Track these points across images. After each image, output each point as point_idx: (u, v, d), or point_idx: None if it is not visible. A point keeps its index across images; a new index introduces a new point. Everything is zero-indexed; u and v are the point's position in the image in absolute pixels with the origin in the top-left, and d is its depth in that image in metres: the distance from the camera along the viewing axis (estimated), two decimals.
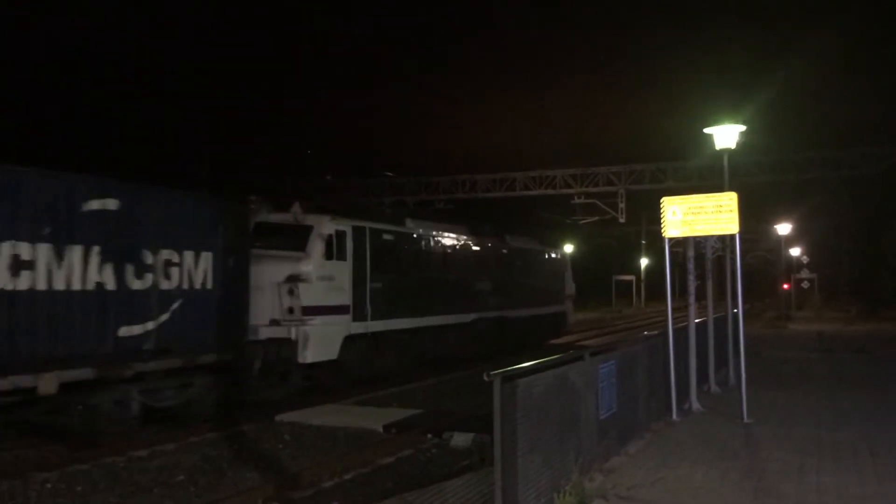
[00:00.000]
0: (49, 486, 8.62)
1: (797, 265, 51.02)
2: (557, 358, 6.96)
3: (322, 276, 14.56)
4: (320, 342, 14.26)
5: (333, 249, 14.87)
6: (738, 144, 12.66)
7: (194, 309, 12.08)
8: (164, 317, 11.55)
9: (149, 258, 11.35)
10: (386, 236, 16.74)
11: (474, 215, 28.80)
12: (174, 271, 11.77)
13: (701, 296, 13.02)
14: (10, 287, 9.47)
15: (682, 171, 32.16)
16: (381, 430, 11.45)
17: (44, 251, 9.83)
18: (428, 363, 18.02)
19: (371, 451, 10.19)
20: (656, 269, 58.27)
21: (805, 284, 49.53)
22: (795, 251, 52.03)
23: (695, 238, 11.10)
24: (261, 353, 13.75)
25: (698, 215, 10.40)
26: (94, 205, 10.57)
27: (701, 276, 12.42)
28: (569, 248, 28.91)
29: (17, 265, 9.55)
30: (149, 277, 11.35)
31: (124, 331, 10.93)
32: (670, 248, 10.88)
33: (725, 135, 12.42)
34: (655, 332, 10.91)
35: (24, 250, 9.63)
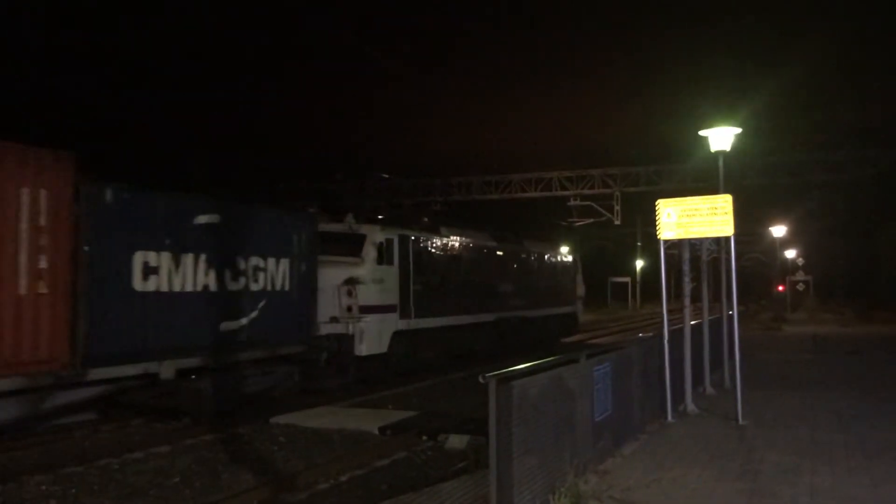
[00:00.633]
0: (44, 488, 8.59)
1: (792, 267, 51.20)
2: (553, 360, 6.98)
3: (375, 278, 16.46)
4: (374, 337, 16.12)
5: (383, 255, 16.80)
6: (733, 147, 12.71)
7: (275, 307, 13.81)
8: (254, 314, 13.35)
9: (242, 264, 13.14)
10: (424, 243, 18.70)
11: (469, 217, 28.86)
12: (261, 275, 13.58)
13: (696, 298, 13.06)
14: (141, 288, 11.25)
15: (677, 173, 32.25)
16: (376, 432, 11.45)
17: (166, 259, 11.62)
18: (458, 357, 19.56)
19: (366, 454, 10.19)
20: (652, 271, 58.37)
21: (800, 286, 49.72)
22: (790, 253, 52.20)
23: (690, 240, 11.12)
24: (326, 346, 15.45)
25: (693, 217, 10.41)
26: (202, 219, 12.37)
27: (696, 278, 12.45)
28: (564, 251, 29.60)
29: (147, 270, 11.34)
30: (242, 280, 13.15)
31: (224, 325, 12.71)
32: (666, 250, 10.90)
33: (720, 137, 12.46)
34: (651, 334, 10.93)
35: (152, 258, 11.43)
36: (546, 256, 27.13)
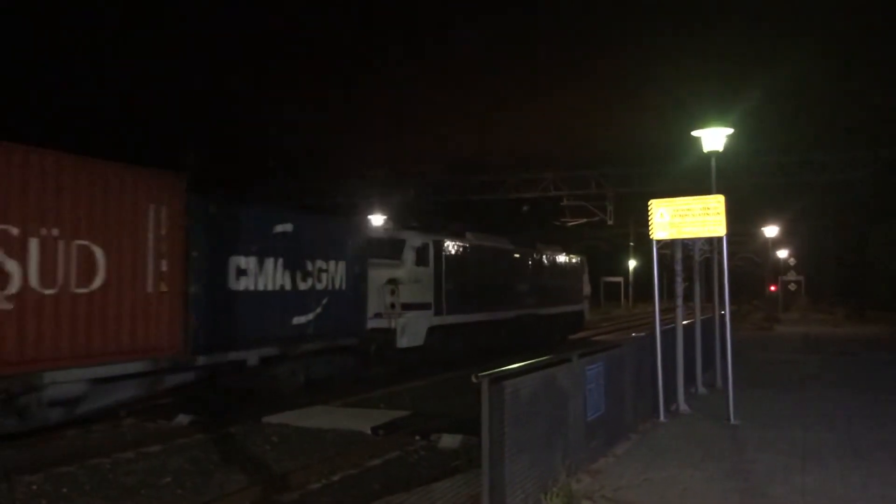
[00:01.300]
0: (35, 487, 8.57)
1: (784, 267, 51.36)
2: (545, 360, 6.99)
3: (414, 278, 18.45)
4: (413, 331, 18.13)
5: (420, 258, 18.81)
6: (725, 147, 12.72)
7: (335, 304, 15.53)
8: (318, 310, 15.07)
9: (309, 266, 14.88)
10: (453, 247, 20.52)
11: (462, 218, 29.04)
12: (324, 276, 15.31)
13: (688, 298, 13.08)
14: (234, 288, 13.04)
15: (670, 173, 32.29)
16: (368, 431, 11.45)
17: (252, 262, 13.45)
18: (481, 351, 20.90)
19: (359, 453, 10.18)
20: (644, 271, 58.47)
21: (792, 286, 49.90)
22: (782, 253, 52.35)
23: (682, 240, 11.14)
24: (375, 339, 17.08)
25: (686, 218, 10.43)
26: (279, 228, 14.23)
27: (688, 278, 12.47)
28: (572, 253, 30.63)
29: (239, 273, 13.15)
30: (310, 280, 14.88)
31: (295, 320, 14.46)
32: (658, 250, 10.91)
33: (713, 137, 12.48)
34: (643, 334, 10.95)
35: (242, 262, 13.24)
36: (556, 258, 28.89)
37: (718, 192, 11.01)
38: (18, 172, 9.70)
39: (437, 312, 19.19)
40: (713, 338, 13.42)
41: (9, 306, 9.48)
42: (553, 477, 6.55)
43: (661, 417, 10.28)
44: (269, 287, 13.81)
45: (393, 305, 17.74)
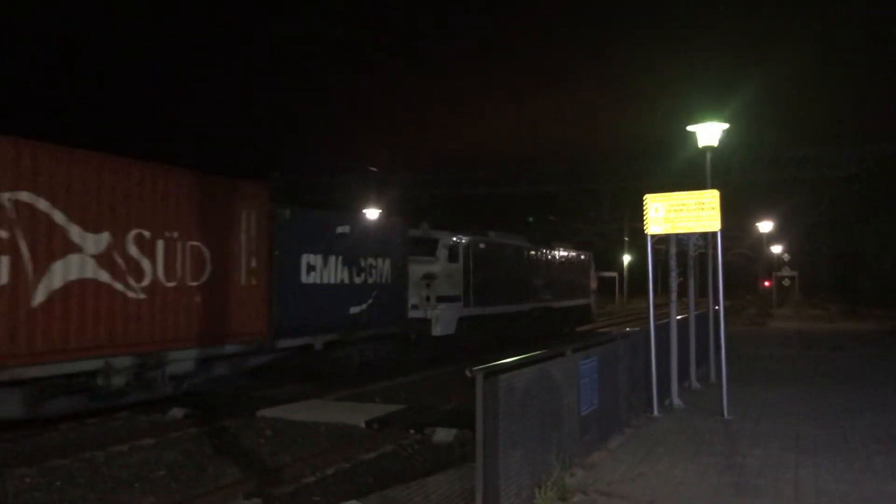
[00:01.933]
0: (28, 480, 8.55)
1: (778, 263, 51.48)
2: (539, 354, 6.98)
3: (446, 274, 20.43)
4: (446, 321, 20.05)
5: (452, 255, 20.77)
6: (720, 142, 12.74)
7: (383, 297, 17.54)
8: (370, 301, 17.06)
9: (362, 263, 16.89)
10: (478, 245, 22.40)
11: (459, 211, 29.18)
12: (374, 271, 17.29)
13: (683, 293, 13.10)
14: (305, 281, 15.02)
15: (665, 168, 32.35)
16: (363, 425, 11.45)
17: (318, 259, 15.43)
18: (501, 340, 22.68)
19: (353, 447, 10.18)
20: (639, 266, 58.56)
21: (786, 282, 50.03)
22: (777, 249, 52.45)
23: (677, 235, 11.16)
24: (415, 327, 19.12)
25: (681, 213, 10.44)
26: (339, 229, 16.34)
27: (683, 274, 12.49)
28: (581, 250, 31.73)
29: (308, 268, 15.13)
30: (363, 276, 16.91)
31: (352, 310, 16.50)
32: (653, 245, 10.93)
33: (708, 132, 12.49)
34: (637, 329, 10.96)
35: (311, 259, 15.23)
36: (567, 255, 30.94)
37: (713, 187, 11.02)
38: (162, 188, 11.97)
39: (466, 304, 21.09)
40: (707, 333, 13.45)
41: (143, 296, 11.61)
42: (547, 471, 6.55)
43: (655, 412, 10.30)
44: (331, 281, 15.85)
45: (428, 298, 19.78)
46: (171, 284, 12.01)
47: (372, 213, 27.31)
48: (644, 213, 10.70)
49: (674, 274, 11.66)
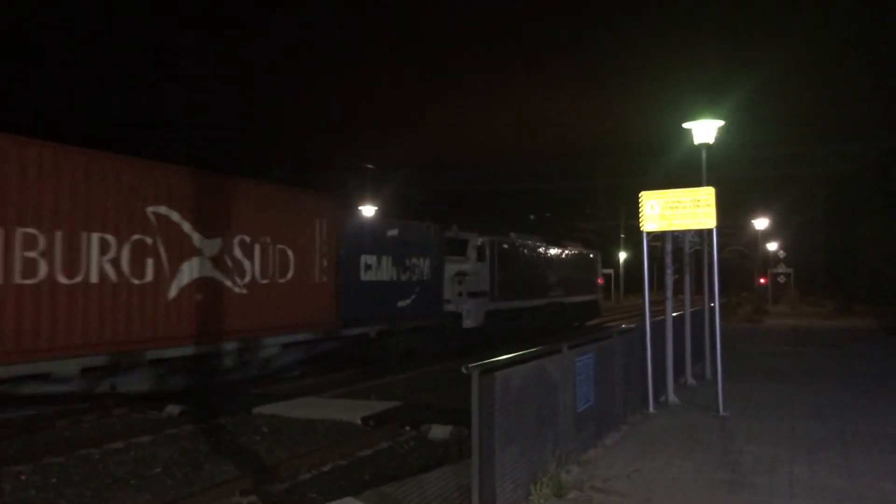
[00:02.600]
0: (24, 477, 8.55)
1: (774, 260, 51.53)
2: (535, 350, 6.98)
3: (475, 271, 22.44)
4: (475, 315, 22.12)
5: (480, 254, 22.76)
6: (716, 140, 12.73)
7: (423, 292, 19.70)
8: (413, 296, 19.20)
9: (407, 262, 19.02)
10: (502, 245, 24.21)
11: (454, 208, 29.29)
12: (416, 270, 19.44)
13: (678, 290, 13.12)
14: (363, 279, 17.16)
15: (661, 165, 32.38)
16: (359, 422, 11.46)
17: (373, 259, 17.58)
18: (521, 332, 24.43)
19: (349, 444, 10.18)
20: (634, 263, 58.60)
21: (781, 279, 50.04)
22: (772, 246, 52.52)
23: (673, 232, 11.17)
24: (450, 320, 21.02)
25: (676, 210, 10.45)
26: (389, 233, 18.53)
27: (678, 270, 12.50)
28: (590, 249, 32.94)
29: (365, 267, 17.32)
30: (408, 274, 19.03)
31: (399, 304, 18.62)
32: (648, 242, 10.94)
33: (704, 130, 12.48)
34: (632, 326, 10.98)
35: (368, 259, 17.41)
36: (577, 253, 32.90)
37: (709, 184, 11.03)
38: (262, 201, 14.31)
39: (493, 299, 23.10)
40: (702, 330, 13.47)
41: (245, 291, 13.69)
42: (543, 467, 6.57)
43: (651, 409, 10.32)
44: (384, 278, 17.97)
45: (460, 294, 21.80)
46: (264, 282, 14.16)
47: (368, 211, 27.36)
48: (640, 209, 10.71)
49: (669, 271, 11.68)
